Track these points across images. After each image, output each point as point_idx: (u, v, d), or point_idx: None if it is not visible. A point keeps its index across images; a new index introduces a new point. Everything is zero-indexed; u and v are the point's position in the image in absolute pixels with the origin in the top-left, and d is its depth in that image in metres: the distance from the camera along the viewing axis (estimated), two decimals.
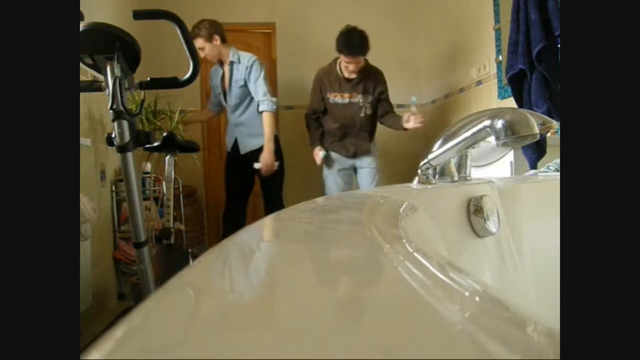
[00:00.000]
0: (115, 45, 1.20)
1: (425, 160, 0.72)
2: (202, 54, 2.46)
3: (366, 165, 2.60)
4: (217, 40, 2.48)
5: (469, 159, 0.81)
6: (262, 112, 2.45)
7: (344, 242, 0.26)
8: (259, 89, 2.47)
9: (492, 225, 0.63)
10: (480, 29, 2.68)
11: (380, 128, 2.67)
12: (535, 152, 1.77)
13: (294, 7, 3.44)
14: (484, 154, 1.82)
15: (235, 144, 2.61)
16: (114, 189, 2.38)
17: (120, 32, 1.21)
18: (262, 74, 2.49)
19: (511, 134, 0.56)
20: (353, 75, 2.48)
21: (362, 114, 2.52)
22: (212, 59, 2.54)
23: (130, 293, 2.33)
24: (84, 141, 2.04)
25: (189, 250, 2.17)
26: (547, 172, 1.18)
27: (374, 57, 2.60)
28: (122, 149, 1.27)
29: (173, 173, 1.92)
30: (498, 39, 2.49)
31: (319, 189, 2.69)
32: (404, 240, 0.25)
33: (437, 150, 0.70)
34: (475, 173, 0.82)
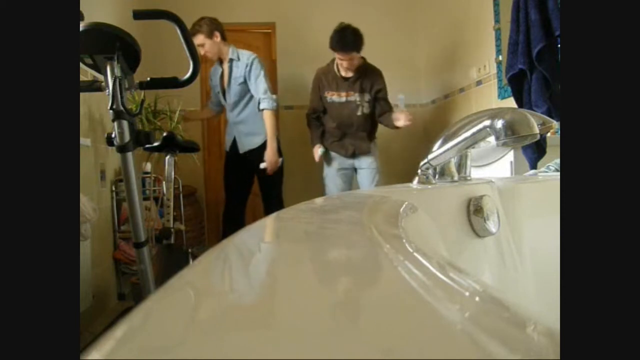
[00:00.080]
0: (115, 45, 1.20)
1: (425, 160, 0.72)
2: (202, 51, 2.46)
3: (366, 166, 2.59)
4: (217, 37, 2.48)
5: (469, 159, 0.81)
6: (262, 109, 2.45)
7: (344, 242, 0.26)
8: (259, 86, 2.47)
9: (492, 225, 0.63)
10: (480, 29, 2.68)
11: (380, 128, 2.67)
12: (535, 152, 1.77)
13: (294, 7, 3.44)
14: (484, 154, 1.82)
15: (234, 143, 2.60)
16: (114, 189, 2.38)
17: (120, 32, 1.21)
18: (263, 71, 2.49)
19: (511, 134, 0.56)
20: (350, 74, 2.49)
21: (359, 113, 2.51)
22: (212, 56, 2.53)
23: (130, 293, 2.33)
24: (84, 141, 2.04)
25: (189, 250, 2.17)
26: (547, 172, 1.18)
27: (374, 57, 2.60)
28: (122, 149, 1.27)
29: (173, 173, 1.92)
30: (498, 39, 2.49)
31: (319, 189, 2.68)
32: (404, 240, 0.25)
33: (437, 150, 0.70)
34: (475, 173, 0.82)
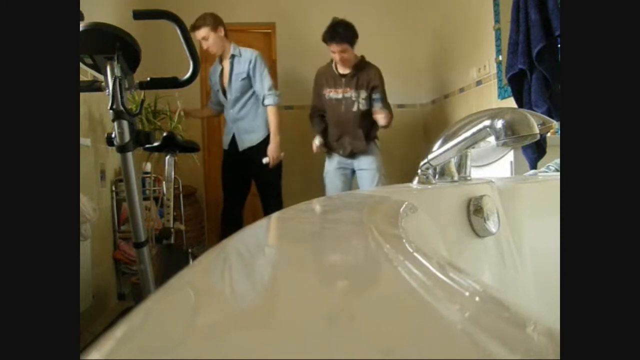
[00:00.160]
0: (115, 45, 1.20)
1: (425, 160, 0.72)
2: (205, 45, 2.47)
3: (366, 167, 2.55)
4: (221, 32, 2.49)
5: (469, 159, 0.81)
6: (267, 105, 2.48)
7: (344, 242, 0.26)
8: (264, 83, 2.49)
9: (492, 225, 0.63)
10: (480, 29, 2.68)
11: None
12: (535, 152, 1.76)
13: (294, 7, 3.44)
14: (484, 154, 1.82)
15: (233, 141, 2.60)
16: (114, 189, 2.38)
17: (120, 32, 1.21)
18: (266, 68, 2.52)
19: (511, 134, 0.56)
20: (347, 71, 2.50)
21: (354, 109, 2.50)
22: (216, 50, 2.53)
23: (130, 293, 2.33)
24: (84, 141, 2.05)
25: (189, 250, 2.17)
26: (547, 172, 1.18)
27: (374, 57, 2.60)
28: (122, 149, 1.27)
29: (173, 173, 1.92)
30: (498, 39, 2.49)
31: (319, 189, 2.68)
32: (404, 240, 0.25)
33: (437, 150, 0.70)
34: (475, 173, 0.82)
